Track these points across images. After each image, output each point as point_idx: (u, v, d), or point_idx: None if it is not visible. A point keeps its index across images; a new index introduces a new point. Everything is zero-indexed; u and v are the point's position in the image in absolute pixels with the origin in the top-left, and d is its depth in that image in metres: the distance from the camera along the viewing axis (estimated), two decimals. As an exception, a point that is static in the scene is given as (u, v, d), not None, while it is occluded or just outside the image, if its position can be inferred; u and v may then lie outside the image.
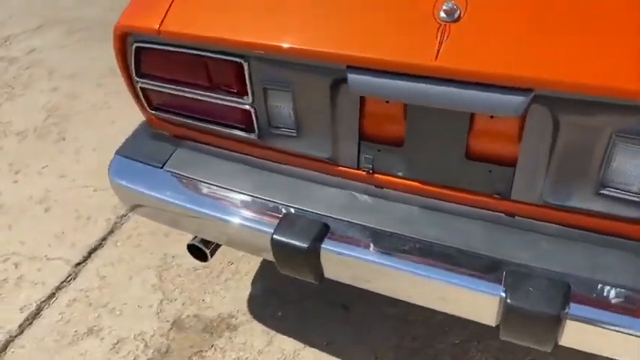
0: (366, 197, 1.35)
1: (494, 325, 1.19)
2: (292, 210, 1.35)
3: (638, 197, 1.09)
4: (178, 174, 1.49)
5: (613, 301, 1.09)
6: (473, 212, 1.26)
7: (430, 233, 1.24)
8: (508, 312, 1.10)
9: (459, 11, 1.08)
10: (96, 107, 3.15)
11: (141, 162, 1.54)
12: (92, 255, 2.26)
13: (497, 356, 1.75)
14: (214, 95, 1.38)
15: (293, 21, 1.24)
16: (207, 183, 1.46)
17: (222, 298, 2.04)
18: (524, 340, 1.16)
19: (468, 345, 1.79)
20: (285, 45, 1.20)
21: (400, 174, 1.31)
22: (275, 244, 1.29)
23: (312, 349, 1.83)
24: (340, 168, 1.37)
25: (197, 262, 2.15)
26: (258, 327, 1.92)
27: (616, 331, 1.07)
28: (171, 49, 1.36)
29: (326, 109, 1.28)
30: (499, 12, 1.07)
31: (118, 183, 1.55)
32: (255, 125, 1.39)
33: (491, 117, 1.15)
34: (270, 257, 1.36)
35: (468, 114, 1.16)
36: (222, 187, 1.44)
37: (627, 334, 1.06)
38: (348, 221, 1.31)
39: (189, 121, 1.49)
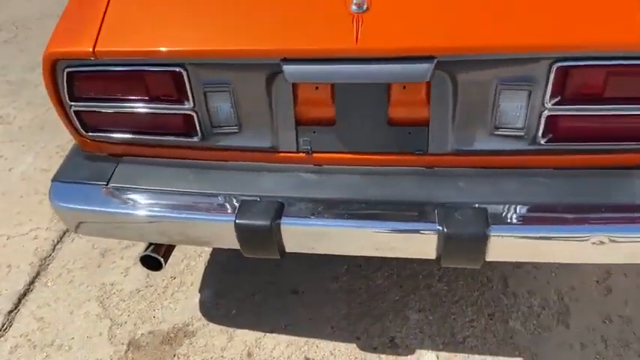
0: (310, 175, 1.53)
1: (434, 258, 1.43)
2: (247, 198, 1.49)
3: (522, 132, 1.40)
4: (127, 187, 1.56)
5: (520, 216, 1.39)
6: (401, 170, 1.50)
7: (370, 193, 1.46)
8: (446, 240, 1.35)
9: (366, 3, 1.32)
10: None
11: (84, 183, 1.59)
12: (23, 300, 2.18)
13: (432, 302, 2.02)
14: (154, 106, 1.49)
15: (225, 24, 1.39)
16: (160, 190, 1.54)
17: (173, 311, 2.09)
18: (460, 262, 1.41)
19: (406, 299, 2.04)
20: (222, 48, 1.36)
21: (336, 149, 1.51)
22: (239, 228, 1.43)
23: (273, 334, 1.96)
24: (282, 154, 1.54)
25: (138, 284, 2.19)
26: (215, 328, 2.01)
27: (526, 238, 1.36)
28: (106, 68, 1.44)
29: (263, 101, 1.45)
30: (399, 0, 1.33)
31: (64, 207, 1.57)
32: (198, 129, 1.51)
33: (404, 87, 1.41)
34: (235, 245, 1.48)
35: (385, 87, 1.40)
36: (175, 191, 1.53)
37: (536, 238, 1.36)
38: (299, 197, 1.48)
39: (129, 137, 1.57)
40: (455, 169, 1.48)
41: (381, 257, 1.62)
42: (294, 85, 1.42)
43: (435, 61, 1.28)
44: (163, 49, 1.38)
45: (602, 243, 1.30)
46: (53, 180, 1.62)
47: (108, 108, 1.52)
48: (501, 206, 1.38)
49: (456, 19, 1.29)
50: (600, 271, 2.08)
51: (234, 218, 1.43)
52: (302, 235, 1.45)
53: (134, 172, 1.60)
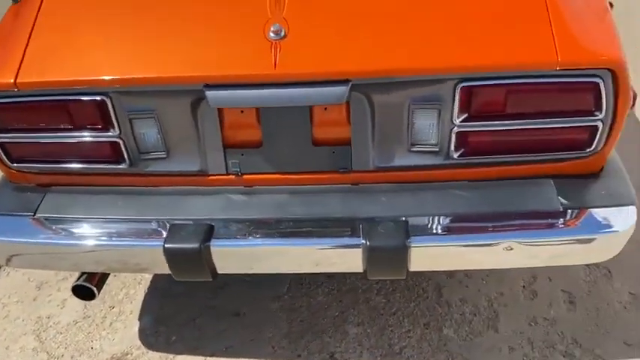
0: (239, 196, 1.57)
1: (362, 271, 1.49)
2: (177, 222, 1.51)
3: (437, 147, 1.49)
4: (55, 217, 1.55)
5: (438, 227, 1.47)
6: (328, 188, 1.56)
7: (297, 211, 1.51)
8: (370, 253, 1.41)
9: (283, 31, 1.38)
10: None
11: (11, 215, 1.57)
12: (-48, 340, 2.10)
13: (371, 315, 2.07)
14: (80, 135, 1.50)
15: (146, 51, 1.43)
16: (89, 217, 1.54)
17: (111, 341, 2.06)
18: (385, 273, 1.48)
19: (345, 314, 2.09)
20: (145, 75, 1.39)
21: (264, 170, 1.56)
22: (168, 252, 1.45)
23: (213, 357, 1.96)
24: (211, 177, 1.57)
25: (75, 316, 2.15)
26: (155, 355, 1.99)
27: (444, 246, 1.44)
28: (29, 99, 1.45)
29: (190, 126, 1.49)
30: (314, 27, 1.41)
31: None
32: (125, 155, 1.53)
33: (325, 108, 1.47)
34: (165, 269, 1.50)
35: (308, 108, 1.46)
36: (105, 218, 1.54)
37: (453, 247, 1.44)
38: (228, 219, 1.51)
39: (55, 166, 1.57)
40: (377, 185, 1.56)
41: (323, 273, 1.66)
42: (220, 109, 1.47)
43: (350, 83, 1.36)
44: (86, 78, 1.41)
45: (510, 249, 1.40)
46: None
47: (32, 139, 1.52)
48: (420, 218, 1.46)
49: (369, 43, 1.37)
50: (527, 276, 2.19)
51: (162, 243, 1.45)
52: (232, 256, 1.48)
53: (62, 201, 1.60)
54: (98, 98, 1.43)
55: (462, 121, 1.42)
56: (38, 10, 1.51)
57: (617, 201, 1.43)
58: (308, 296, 2.16)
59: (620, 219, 1.41)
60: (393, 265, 1.43)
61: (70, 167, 1.57)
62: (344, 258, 1.47)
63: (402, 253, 1.40)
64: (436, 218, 1.46)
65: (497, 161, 1.50)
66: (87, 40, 1.47)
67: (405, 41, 1.37)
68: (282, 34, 1.38)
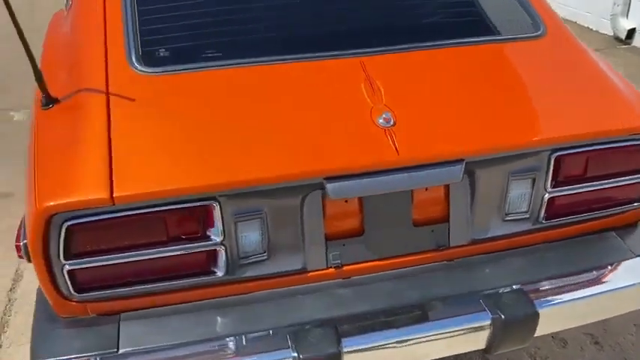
0: (343, 290, 1.48)
1: (484, 347, 1.48)
2: (292, 328, 1.37)
3: (527, 215, 1.58)
4: (146, 349, 1.32)
5: (554, 288, 1.51)
6: (426, 268, 1.55)
7: (413, 296, 1.47)
8: (503, 326, 1.41)
9: (392, 119, 1.41)
10: None
11: (85, 356, 1.30)
12: None
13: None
14: (174, 248, 1.33)
15: (258, 150, 1.34)
16: (188, 343, 1.34)
17: None
18: (512, 344, 1.48)
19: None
20: (264, 175, 1.30)
21: (365, 259, 1.50)
22: None
23: None
24: (311, 273, 1.47)
25: None
26: None
27: (568, 305, 1.49)
28: (121, 214, 1.26)
29: (295, 222, 1.40)
30: (417, 112, 1.45)
31: None
32: (224, 262, 1.38)
33: (426, 189, 1.49)
34: None
35: (410, 192, 1.47)
36: (208, 339, 1.35)
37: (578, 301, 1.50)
38: (344, 315, 1.41)
39: (132, 289, 1.36)
40: (473, 258, 1.59)
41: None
42: (323, 202, 1.41)
43: (464, 162, 1.41)
44: (195, 184, 1.27)
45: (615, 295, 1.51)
46: (35, 360, 1.30)
47: (114, 260, 1.31)
48: (534, 284, 1.51)
49: (475, 123, 1.45)
50: None
51: (293, 353, 1.31)
52: (367, 354, 1.38)
53: (143, 328, 1.37)
54: (206, 204, 1.30)
55: (552, 187, 1.53)
56: (108, 118, 1.35)
57: None
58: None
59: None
60: (524, 334, 1.45)
61: (149, 287, 1.37)
62: (473, 336, 1.45)
63: (533, 321, 1.43)
64: (545, 282, 1.52)
65: (575, 220, 1.63)
66: (180, 144, 1.34)
67: (506, 119, 1.48)
68: (392, 122, 1.40)
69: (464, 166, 1.41)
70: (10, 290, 2.51)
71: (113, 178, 1.25)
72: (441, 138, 1.42)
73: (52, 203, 1.21)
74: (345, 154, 1.36)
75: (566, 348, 2.24)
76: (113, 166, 1.26)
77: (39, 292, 1.45)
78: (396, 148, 1.37)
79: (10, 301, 2.44)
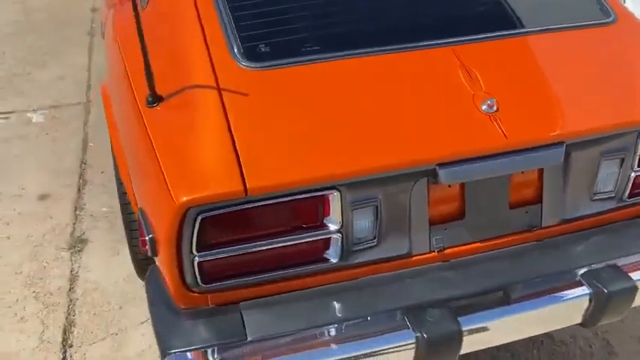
0: (447, 272, 1.53)
1: (579, 322, 1.55)
2: (409, 309, 1.42)
3: (612, 193, 1.64)
4: (272, 336, 1.36)
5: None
6: (519, 248, 1.61)
7: (517, 275, 1.53)
8: (606, 300, 1.48)
9: (495, 105, 1.46)
10: None
11: (216, 345, 1.34)
12: None
13: None
14: (297, 236, 1.37)
15: (374, 139, 1.38)
16: (312, 328, 1.38)
17: None
18: (610, 317, 1.55)
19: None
20: (384, 163, 1.35)
21: (464, 242, 1.56)
22: (429, 341, 1.35)
23: None
24: (415, 257, 1.52)
25: None
26: None
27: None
28: (252, 205, 1.29)
29: (404, 208, 1.45)
30: (517, 98, 1.50)
31: None
32: (339, 249, 1.43)
33: (522, 172, 1.55)
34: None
35: (508, 175, 1.53)
36: (330, 324, 1.39)
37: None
38: (454, 296, 1.47)
39: (253, 278, 1.40)
40: (560, 238, 1.65)
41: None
42: (428, 187, 1.46)
43: (565, 145, 1.47)
44: (321, 173, 1.31)
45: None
46: (165, 353, 1.33)
47: (241, 250, 1.34)
48: (624, 259, 1.58)
49: (574, 107, 1.51)
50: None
51: (417, 333, 1.36)
52: (483, 332, 1.44)
53: (264, 316, 1.41)
54: (327, 193, 1.34)
55: (639, 166, 1.60)
56: (225, 113, 1.38)
57: None
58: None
59: None
60: (623, 306, 1.52)
61: (267, 276, 1.41)
62: (574, 310, 1.52)
63: (632, 293, 1.50)
64: (636, 256, 1.60)
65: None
66: (299, 136, 1.38)
67: (597, 101, 1.54)
68: (495, 107, 1.46)
69: (564, 148, 1.47)
70: (70, 290, 2.51)
71: (243, 171, 1.28)
72: (542, 122, 1.48)
73: (189, 197, 1.24)
74: (456, 141, 1.41)
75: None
76: (241, 160, 1.29)
77: (153, 286, 1.48)
78: (503, 133, 1.42)
79: (71, 301, 2.44)
